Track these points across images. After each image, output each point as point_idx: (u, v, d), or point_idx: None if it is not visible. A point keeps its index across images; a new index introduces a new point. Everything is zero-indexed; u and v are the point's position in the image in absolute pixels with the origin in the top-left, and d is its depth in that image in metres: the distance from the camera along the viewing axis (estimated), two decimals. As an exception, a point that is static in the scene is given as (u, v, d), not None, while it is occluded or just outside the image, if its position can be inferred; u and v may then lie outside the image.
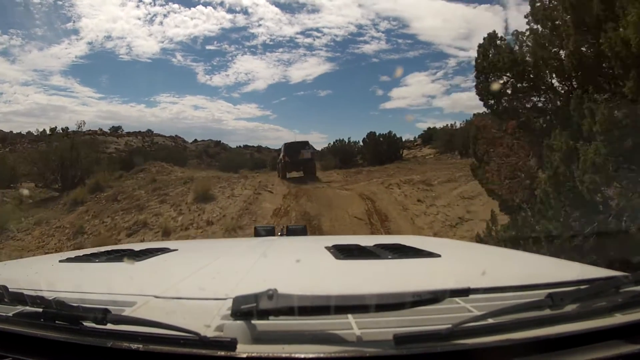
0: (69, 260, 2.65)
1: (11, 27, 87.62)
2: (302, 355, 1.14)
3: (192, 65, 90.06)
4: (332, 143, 53.68)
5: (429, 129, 58.01)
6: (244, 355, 1.13)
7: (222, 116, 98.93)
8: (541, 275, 2.10)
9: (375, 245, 2.83)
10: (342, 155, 49.03)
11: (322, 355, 1.14)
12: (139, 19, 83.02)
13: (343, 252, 2.59)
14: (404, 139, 51.95)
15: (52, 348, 1.24)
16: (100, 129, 72.86)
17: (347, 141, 51.61)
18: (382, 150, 46.18)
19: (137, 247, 3.21)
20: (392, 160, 43.50)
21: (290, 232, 5.05)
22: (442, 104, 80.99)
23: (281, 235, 4.99)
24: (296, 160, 32.13)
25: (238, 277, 2.01)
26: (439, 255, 2.47)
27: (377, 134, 48.40)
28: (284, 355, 1.14)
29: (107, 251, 2.89)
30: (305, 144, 34.69)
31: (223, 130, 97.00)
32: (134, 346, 1.17)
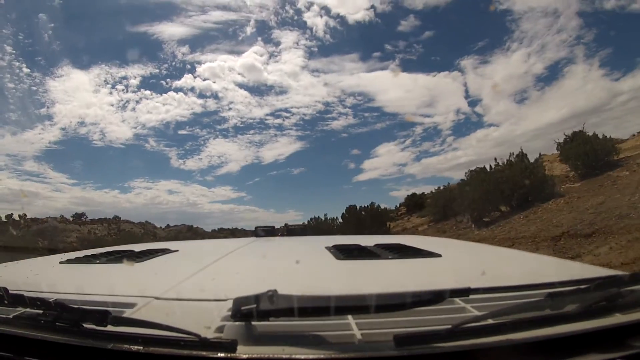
0: (69, 261, 2.65)
1: None
2: (302, 357, 1.13)
3: (165, 150, 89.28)
4: (306, 222, 47.99)
5: (413, 195, 54.37)
6: (245, 357, 1.13)
7: (197, 200, 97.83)
8: (541, 275, 2.11)
9: (375, 245, 2.85)
10: (320, 234, 46.05)
11: (322, 356, 1.13)
12: (112, 105, 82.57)
13: (343, 252, 2.61)
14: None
15: (52, 350, 1.23)
16: (62, 216, 71.47)
17: (324, 218, 47.16)
18: (365, 225, 40.96)
19: (138, 247, 3.21)
20: (385, 232, 38.55)
21: (291, 232, 4.98)
22: (413, 171, 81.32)
23: (281, 235, 4.92)
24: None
25: (238, 278, 2.02)
26: (439, 255, 2.49)
27: (358, 207, 43.95)
28: (284, 356, 1.14)
29: (108, 252, 2.89)
30: (272, 229, 34.64)
31: (199, 214, 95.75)
32: (135, 348, 1.16)
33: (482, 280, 1.95)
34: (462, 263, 2.67)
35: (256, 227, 5.17)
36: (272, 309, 1.20)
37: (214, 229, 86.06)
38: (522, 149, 31.62)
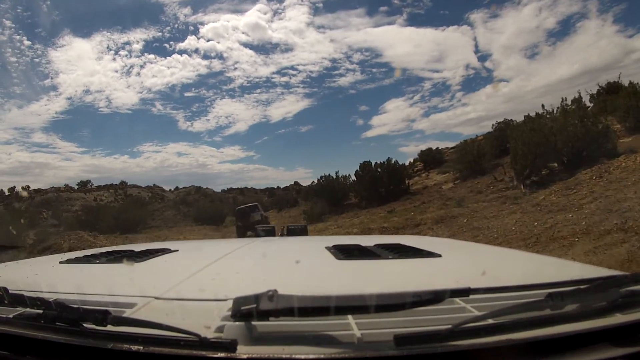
0: (69, 261, 2.65)
1: None
2: (303, 356, 1.13)
3: (172, 113, 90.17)
4: (317, 180, 45.66)
5: (429, 150, 49.89)
6: (245, 356, 1.13)
7: (207, 161, 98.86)
8: (541, 275, 2.12)
9: (375, 245, 2.84)
10: (331, 195, 40.73)
11: (322, 356, 1.14)
12: (116, 71, 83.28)
13: (343, 252, 2.61)
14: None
15: (52, 350, 1.24)
16: (66, 185, 71.29)
17: (335, 176, 42.85)
18: (382, 183, 36.94)
19: (138, 247, 3.21)
20: (397, 196, 34.91)
21: (291, 232, 5.02)
22: (422, 127, 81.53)
23: (281, 235, 4.95)
24: (247, 224, 32.99)
25: (238, 277, 2.02)
26: (439, 255, 2.48)
27: (373, 163, 39.15)
28: (284, 356, 1.14)
29: (108, 252, 2.89)
30: (254, 207, 37.13)
31: (208, 175, 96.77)
32: (135, 348, 1.16)
33: (482, 280, 1.94)
34: (462, 263, 2.67)
35: (256, 227, 5.21)
36: (272, 309, 1.20)
37: (223, 189, 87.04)
38: (579, 92, 28.05)
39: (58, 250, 24.86)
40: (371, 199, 36.50)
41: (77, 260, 2.67)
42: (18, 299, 1.43)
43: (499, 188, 26.39)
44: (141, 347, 1.16)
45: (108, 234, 37.16)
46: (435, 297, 1.23)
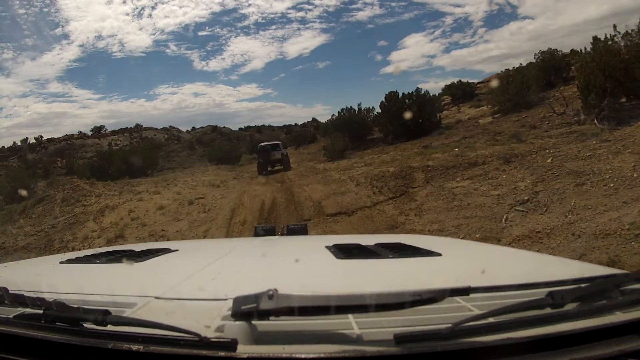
0: (69, 261, 2.65)
1: (0, 41, 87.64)
2: (303, 356, 1.13)
3: (187, 53, 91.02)
4: (337, 114, 42.44)
5: (460, 83, 46.67)
6: (245, 356, 1.13)
7: (224, 100, 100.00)
8: (541, 273, 2.11)
9: (375, 244, 2.82)
10: (353, 129, 37.96)
11: (322, 355, 1.14)
12: (127, 14, 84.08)
13: (343, 251, 2.60)
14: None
15: (52, 350, 1.24)
16: (80, 132, 71.38)
17: (357, 110, 39.95)
18: (410, 117, 31.80)
19: (138, 247, 3.21)
20: (428, 130, 31.78)
21: (291, 231, 5.04)
22: (442, 63, 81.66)
23: (281, 234, 4.98)
24: (268, 161, 35.66)
25: (238, 277, 2.02)
26: (439, 254, 2.47)
27: (400, 94, 34.91)
28: (284, 355, 1.14)
29: (108, 252, 2.89)
30: (276, 146, 37.66)
31: (225, 114, 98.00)
32: (135, 347, 1.17)
33: (483, 279, 1.94)
34: (462, 262, 2.67)
35: (256, 227, 5.21)
36: (272, 309, 1.20)
37: (240, 127, 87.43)
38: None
39: (51, 202, 25.09)
40: (398, 133, 33.60)
41: (77, 260, 2.69)
42: (18, 299, 1.43)
43: (558, 123, 22.16)
44: (141, 347, 1.16)
45: (118, 179, 36.89)
46: (436, 296, 1.23)
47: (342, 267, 2.32)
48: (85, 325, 1.29)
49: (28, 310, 1.42)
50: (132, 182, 32.46)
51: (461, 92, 44.83)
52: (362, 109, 40.63)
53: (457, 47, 75.22)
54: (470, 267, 2.45)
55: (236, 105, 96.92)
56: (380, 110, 37.33)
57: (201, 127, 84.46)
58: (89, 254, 2.87)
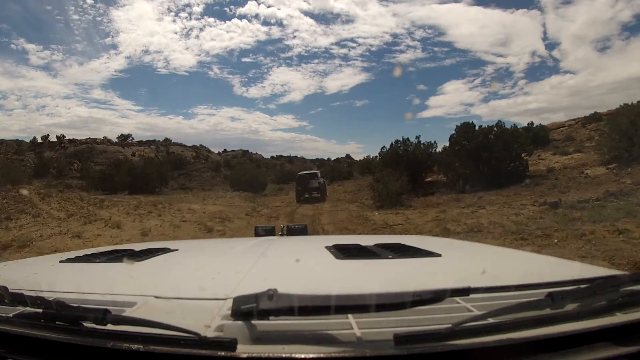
0: (69, 260, 2.66)
1: (52, 42, 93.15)
2: (303, 356, 1.13)
3: (229, 77, 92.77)
4: (387, 147, 35.25)
5: (530, 125, 40.59)
6: (244, 356, 1.13)
7: (259, 127, 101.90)
8: (541, 274, 2.10)
9: (375, 244, 2.84)
10: (409, 167, 30.95)
11: (322, 355, 1.14)
12: (176, 33, 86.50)
13: (343, 251, 2.60)
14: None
15: (52, 349, 1.24)
16: (105, 137, 71.97)
17: (414, 143, 32.79)
18: (491, 153, 25.66)
19: (138, 247, 3.22)
20: (511, 178, 25.13)
21: (291, 231, 5.04)
22: (480, 112, 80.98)
23: (281, 234, 4.98)
24: (306, 188, 36.39)
25: (238, 277, 2.01)
26: (439, 255, 2.48)
27: (477, 126, 27.82)
28: (284, 355, 1.14)
29: (108, 251, 2.90)
30: (314, 175, 38.73)
31: (259, 141, 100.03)
32: (134, 347, 1.17)
33: (482, 279, 1.94)
34: (462, 262, 2.67)
35: (256, 227, 5.22)
36: (272, 308, 1.20)
37: (272, 155, 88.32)
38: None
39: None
40: (474, 178, 26.51)
41: (77, 259, 2.69)
42: (18, 298, 1.43)
43: None
44: (141, 346, 1.16)
45: (118, 193, 36.16)
46: (435, 296, 1.23)
47: (342, 268, 2.33)
48: (84, 324, 1.28)
49: (28, 309, 1.42)
50: (119, 201, 29.11)
51: (532, 137, 37.04)
52: (422, 143, 33.36)
53: (496, 98, 75.24)
54: (470, 267, 2.47)
55: (271, 133, 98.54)
56: (445, 146, 30.62)
57: (232, 150, 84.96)
58: (89, 253, 2.88)
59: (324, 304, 1.20)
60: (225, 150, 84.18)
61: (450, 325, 1.19)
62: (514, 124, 28.55)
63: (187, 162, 63.84)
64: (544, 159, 34.12)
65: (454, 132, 29.52)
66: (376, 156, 47.90)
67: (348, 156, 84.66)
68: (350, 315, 1.35)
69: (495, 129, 27.30)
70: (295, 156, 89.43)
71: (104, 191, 37.96)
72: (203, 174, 60.60)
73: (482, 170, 26.29)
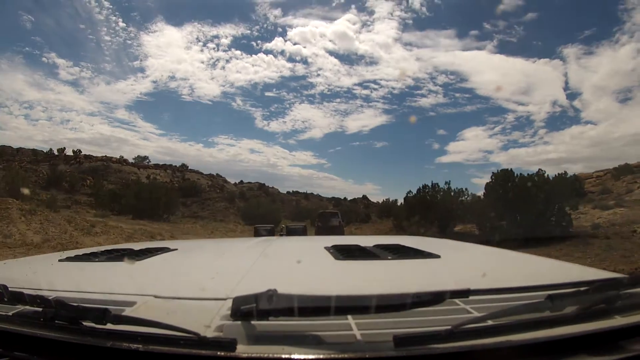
0: (68, 259, 2.66)
1: (82, 60, 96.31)
2: (302, 356, 1.13)
3: (251, 110, 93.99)
4: (413, 191, 32.74)
5: (563, 174, 30.87)
6: (244, 356, 1.13)
7: (278, 161, 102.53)
8: (541, 277, 2.10)
9: (374, 245, 2.85)
10: (439, 214, 28.20)
11: (321, 356, 1.14)
12: (203, 62, 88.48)
13: (343, 252, 2.61)
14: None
15: (51, 347, 1.24)
16: (121, 156, 72.36)
17: (443, 189, 29.94)
18: (531, 208, 22.33)
19: (137, 246, 3.23)
20: (551, 235, 20.72)
21: (290, 232, 5.05)
22: (499, 160, 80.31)
23: (281, 235, 4.98)
24: (327, 226, 36.54)
25: (238, 277, 2.01)
26: (438, 256, 2.48)
27: (517, 174, 24.09)
28: (283, 355, 1.14)
29: (107, 250, 2.91)
30: (335, 214, 39.13)
31: (277, 175, 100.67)
32: (134, 346, 1.16)
33: (482, 281, 1.95)
34: (462, 264, 2.68)
35: (256, 227, 5.25)
36: (271, 309, 1.20)
37: (288, 191, 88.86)
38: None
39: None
40: (510, 232, 22.17)
41: (77, 258, 2.69)
42: (17, 297, 1.43)
43: None
44: (140, 346, 1.16)
45: (123, 214, 35.07)
46: (435, 298, 1.23)
47: (342, 268, 2.33)
48: (84, 323, 1.28)
49: (27, 308, 1.42)
50: (115, 226, 26.48)
51: (569, 188, 29.58)
52: (452, 189, 30.25)
53: (515, 146, 74.70)
54: (469, 269, 2.48)
55: (289, 169, 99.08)
56: (478, 196, 27.57)
57: (249, 182, 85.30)
58: (88, 252, 2.88)
59: (324, 304, 1.20)
60: (242, 181, 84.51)
61: (449, 327, 1.19)
62: (558, 173, 25.66)
63: (201, 190, 63.62)
64: (584, 213, 29.55)
65: (491, 178, 25.77)
66: (396, 200, 48.24)
67: (365, 197, 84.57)
68: (349, 316, 1.34)
69: (535, 177, 23.81)
70: (312, 193, 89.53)
71: (112, 211, 37.42)
72: (216, 203, 60.16)
73: (520, 223, 22.81)
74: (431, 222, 27.08)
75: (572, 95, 68.55)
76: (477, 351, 1.15)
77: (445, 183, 30.53)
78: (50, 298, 1.41)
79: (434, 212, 28.66)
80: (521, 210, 22.35)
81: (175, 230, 31.86)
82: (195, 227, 38.13)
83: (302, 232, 5.33)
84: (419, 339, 1.16)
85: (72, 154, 65.01)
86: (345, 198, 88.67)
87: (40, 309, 1.35)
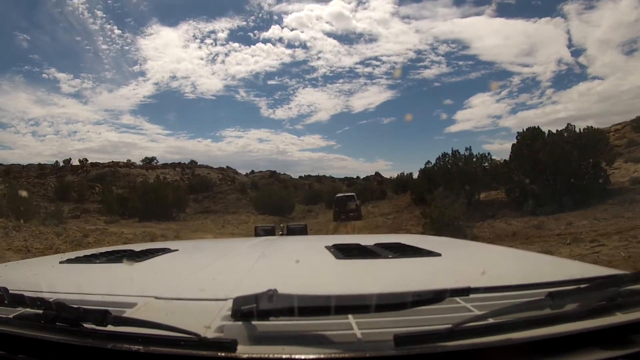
0: (69, 261, 2.67)
1: (82, 71, 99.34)
2: (303, 356, 1.13)
3: (255, 100, 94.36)
4: (430, 163, 31.67)
5: (589, 129, 21.35)
6: (245, 356, 1.13)
7: (287, 148, 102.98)
8: (541, 274, 2.11)
9: (375, 244, 2.85)
10: (463, 183, 25.36)
11: (322, 355, 1.14)
12: (202, 59, 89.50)
13: (343, 251, 2.62)
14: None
15: (52, 350, 1.24)
16: (129, 160, 72.16)
17: (464, 156, 28.06)
18: (564, 168, 20.47)
19: (138, 247, 3.23)
20: (586, 194, 19.69)
21: (291, 231, 5.04)
22: (508, 124, 79.90)
23: (281, 234, 4.98)
24: (344, 210, 39.26)
25: (238, 277, 2.03)
26: (439, 255, 2.48)
27: (547, 131, 22.49)
28: (284, 356, 1.14)
29: (108, 252, 2.91)
30: (351, 197, 41.10)
31: (288, 162, 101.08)
32: (135, 347, 1.17)
33: (482, 279, 1.95)
34: (462, 262, 2.67)
35: (256, 227, 5.24)
36: (272, 309, 1.20)
37: (300, 175, 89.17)
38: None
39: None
40: (544, 196, 20.93)
41: (77, 260, 2.70)
42: (18, 299, 1.43)
43: None
44: (141, 347, 1.16)
45: (130, 218, 34.44)
46: (435, 296, 1.23)
47: (342, 267, 2.34)
48: (85, 325, 1.29)
49: (28, 310, 1.42)
50: (117, 232, 25.59)
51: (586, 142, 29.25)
52: (474, 155, 28.27)
53: (523, 108, 74.38)
54: (470, 267, 2.47)
55: (299, 154, 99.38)
56: (505, 160, 24.97)
57: (260, 171, 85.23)
58: (89, 253, 2.89)
59: (324, 304, 1.20)
60: (252, 171, 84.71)
61: (450, 325, 1.19)
62: (589, 126, 22.11)
63: (212, 184, 63.51)
64: (617, 168, 26.00)
65: (516, 138, 24.04)
66: (410, 173, 48.72)
67: (377, 174, 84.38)
68: (350, 316, 1.34)
69: (565, 134, 21.69)
70: (324, 175, 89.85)
71: (121, 216, 36.81)
72: (228, 196, 59.95)
73: (554, 185, 21.11)
74: (457, 191, 23.26)
75: (576, 52, 68.17)
76: (478, 349, 1.15)
77: (466, 149, 28.59)
78: (50, 300, 1.41)
79: (458, 181, 25.92)
80: (553, 170, 20.73)
81: (183, 229, 30.94)
82: (205, 223, 37.27)
83: (303, 231, 5.30)
84: (420, 338, 1.16)
85: (78, 163, 65.07)
86: (358, 177, 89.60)
87: (41, 311, 1.35)
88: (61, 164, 65.30)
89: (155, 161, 74.38)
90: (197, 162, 78.10)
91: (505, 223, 21.42)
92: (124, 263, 2.48)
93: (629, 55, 61.35)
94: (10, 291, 1.46)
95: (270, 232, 5.06)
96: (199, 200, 56.07)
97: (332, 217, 40.15)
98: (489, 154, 28.46)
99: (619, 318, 1.33)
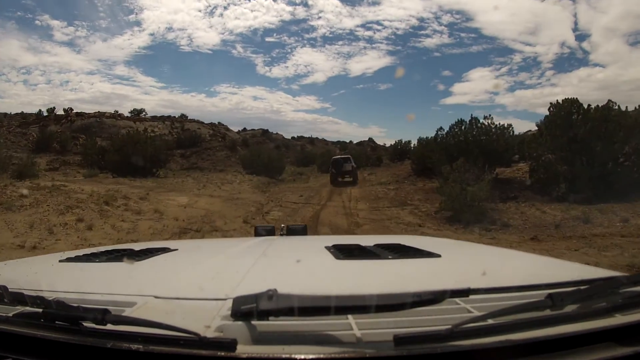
0: (69, 260, 2.66)
1: (76, 19, 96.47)
2: (302, 356, 1.13)
3: (252, 56, 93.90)
4: (448, 129, 27.16)
5: (603, 107, 20.12)
6: (244, 356, 1.13)
7: (281, 107, 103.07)
8: (541, 275, 2.12)
9: (375, 245, 2.84)
10: (475, 155, 21.71)
11: (322, 356, 1.14)
12: (200, 11, 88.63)
13: (343, 252, 2.61)
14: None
15: (52, 348, 1.24)
16: (116, 111, 70.17)
17: (483, 125, 24.58)
18: (605, 149, 17.79)
19: (137, 247, 3.23)
20: (626, 182, 17.39)
21: (291, 231, 5.06)
22: (505, 101, 79.89)
23: (281, 234, 5.00)
24: (340, 172, 39.01)
25: (238, 277, 2.02)
26: (439, 255, 2.48)
27: (576, 104, 19.22)
28: (284, 356, 1.14)
29: (107, 251, 2.91)
30: (348, 159, 40.59)
31: (281, 121, 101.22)
32: (134, 347, 1.17)
33: (482, 280, 1.94)
34: (462, 263, 2.68)
35: (256, 227, 5.24)
36: (272, 309, 1.20)
37: (293, 136, 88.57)
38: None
39: None
40: (578, 179, 18.17)
41: (77, 258, 2.70)
42: (18, 298, 1.44)
43: None
44: (141, 346, 1.17)
45: (109, 173, 31.70)
46: (435, 297, 1.23)
47: (342, 268, 2.34)
48: (84, 324, 1.29)
49: (27, 308, 1.42)
50: (76, 190, 20.84)
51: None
52: (495, 125, 24.36)
53: (522, 87, 74.33)
54: (470, 268, 2.47)
55: (293, 114, 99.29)
56: (534, 133, 22.09)
57: (252, 129, 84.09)
58: (89, 252, 2.89)
59: (324, 304, 1.20)
60: (245, 129, 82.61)
61: (450, 326, 1.19)
62: (637, 106, 19.77)
63: (202, 140, 62.31)
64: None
65: (549, 110, 20.48)
66: (409, 141, 48.40)
67: (371, 139, 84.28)
68: (350, 316, 1.35)
69: (598, 108, 18.66)
70: (317, 137, 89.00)
71: (101, 170, 33.85)
72: (217, 152, 57.27)
73: (591, 169, 18.18)
74: (480, 165, 19.87)
75: (581, 36, 68.23)
76: (478, 350, 1.15)
77: (485, 117, 24.87)
78: (50, 299, 1.42)
79: (474, 154, 22.03)
80: (593, 151, 17.68)
81: (158, 188, 26.51)
82: (186, 182, 33.33)
83: (303, 231, 5.32)
84: (420, 339, 1.17)
85: (62, 112, 63.64)
86: (351, 141, 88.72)
87: (41, 310, 1.36)
88: (45, 113, 63.79)
89: (144, 113, 72.68)
90: (187, 116, 75.89)
91: (537, 209, 18.31)
92: (124, 262, 2.49)
93: (634, 46, 61.24)
94: (10, 289, 1.47)
95: (270, 231, 5.09)
96: (186, 155, 54.33)
97: (324, 182, 39.13)
98: (510, 125, 24.50)
99: (618, 319, 1.33)
